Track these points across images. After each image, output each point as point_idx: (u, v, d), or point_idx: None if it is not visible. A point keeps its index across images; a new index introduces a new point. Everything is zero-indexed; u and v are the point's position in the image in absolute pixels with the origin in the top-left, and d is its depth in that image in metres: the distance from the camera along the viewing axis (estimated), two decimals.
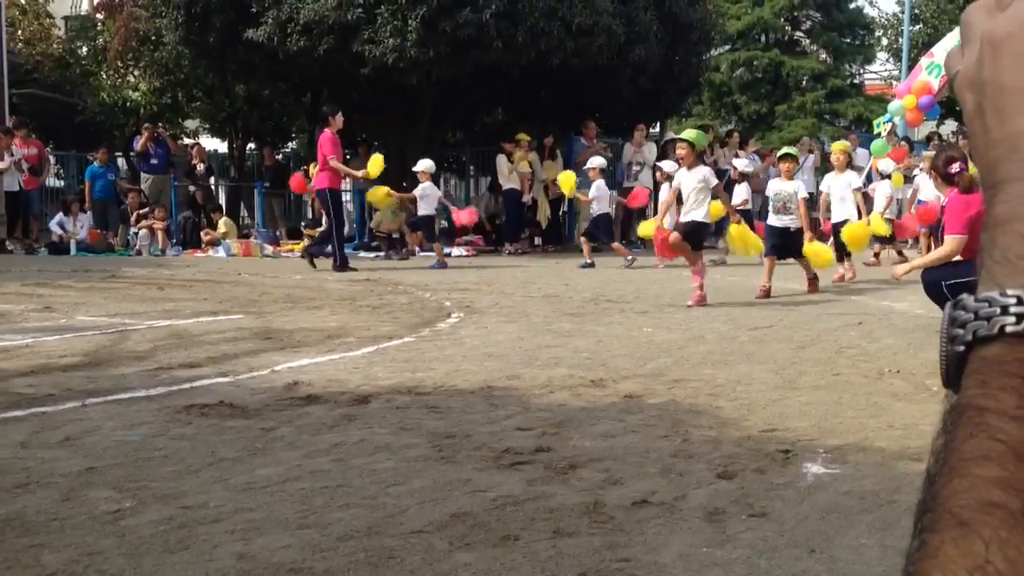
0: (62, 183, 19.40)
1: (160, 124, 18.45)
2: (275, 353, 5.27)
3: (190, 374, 4.62)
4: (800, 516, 2.57)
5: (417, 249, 14.27)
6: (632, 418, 3.71)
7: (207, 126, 22.81)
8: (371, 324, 6.50)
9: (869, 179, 13.49)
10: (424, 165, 12.07)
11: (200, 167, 17.16)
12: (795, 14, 26.73)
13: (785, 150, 8.90)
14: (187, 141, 21.88)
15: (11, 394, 4.12)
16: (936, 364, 0.49)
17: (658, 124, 20.00)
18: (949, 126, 22.14)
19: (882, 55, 29.07)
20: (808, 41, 27.18)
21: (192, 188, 17.03)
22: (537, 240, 15.91)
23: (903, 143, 13.67)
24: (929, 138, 17.50)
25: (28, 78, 21.07)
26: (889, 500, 2.71)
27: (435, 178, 15.42)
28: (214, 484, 2.84)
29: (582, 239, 12.26)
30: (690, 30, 16.26)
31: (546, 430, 3.51)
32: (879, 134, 13.50)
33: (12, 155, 15.18)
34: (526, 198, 14.83)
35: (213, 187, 18.25)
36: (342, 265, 11.40)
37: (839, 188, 9.54)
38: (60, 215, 15.57)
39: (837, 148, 9.88)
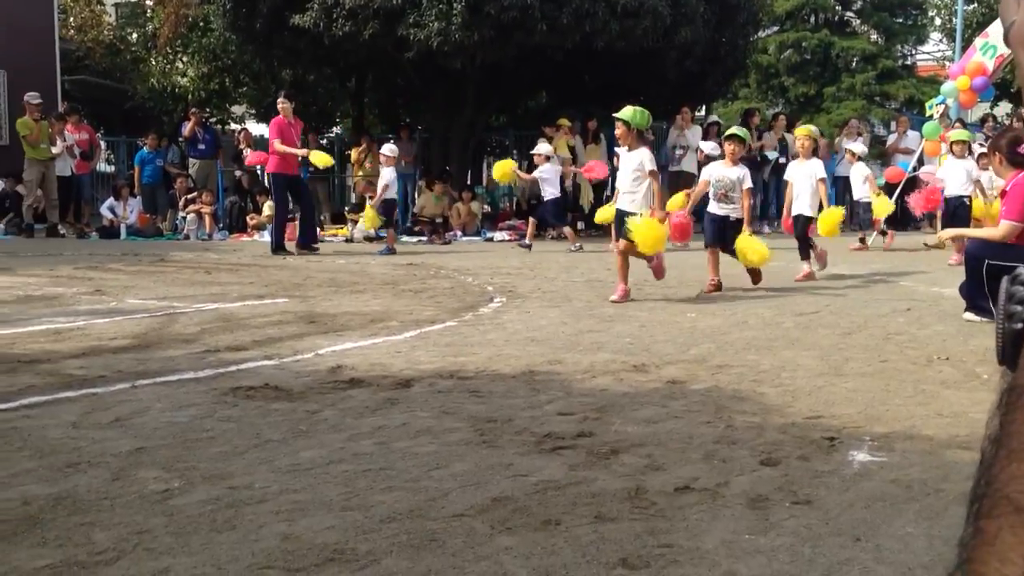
0: (112, 168, 19.74)
1: (207, 110, 18.67)
2: (319, 337, 5.32)
3: (236, 357, 4.68)
4: (845, 504, 2.54)
5: (459, 233, 14.31)
6: (675, 404, 3.70)
7: (253, 111, 23.03)
8: (413, 308, 6.53)
9: (921, 162, 13.26)
10: (388, 150, 12.18)
11: (247, 152, 17.33)
12: None
13: (732, 131, 7.79)
14: (234, 126, 22.10)
15: (63, 375, 4.21)
16: (988, 351, 0.48)
17: (703, 107, 19.80)
18: (1004, 108, 21.65)
19: (935, 35, 28.46)
20: (859, 21, 26.66)
21: (238, 173, 17.21)
22: (580, 225, 15.85)
23: (956, 125, 13.41)
24: (984, 120, 17.14)
25: (79, 65, 21.43)
26: (936, 489, 2.67)
27: (478, 161, 15.41)
28: (260, 465, 2.88)
29: (529, 219, 12.80)
30: (737, 11, 16.05)
31: (588, 415, 3.51)
32: (931, 116, 13.25)
33: (64, 140, 15.46)
34: (568, 183, 14.77)
35: (259, 172, 18.42)
36: (277, 248, 11.63)
37: (802, 178, 8.42)
38: (111, 200, 15.83)
39: (801, 134, 8.65)
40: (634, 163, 6.86)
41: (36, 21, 18.73)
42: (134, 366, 4.43)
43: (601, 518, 2.43)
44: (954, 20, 23.00)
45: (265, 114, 22.23)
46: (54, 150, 15.20)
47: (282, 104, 11.88)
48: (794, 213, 8.49)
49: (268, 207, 15.71)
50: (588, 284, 7.99)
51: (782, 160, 15.83)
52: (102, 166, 18.73)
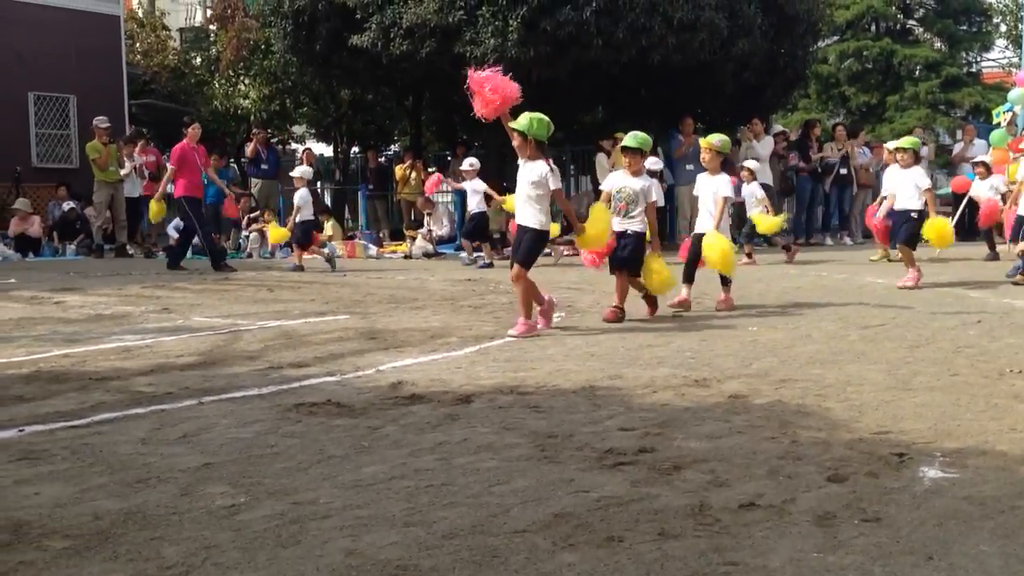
0: None
1: (268, 130, 19.03)
2: (379, 353, 5.36)
3: (299, 373, 4.74)
4: (916, 522, 2.48)
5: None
6: (738, 419, 3.65)
7: (313, 131, 23.39)
8: (472, 324, 6.56)
9: (988, 171, 12.95)
10: (300, 171, 12.48)
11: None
12: (907, 1, 25.82)
13: (626, 141, 6.73)
14: (295, 146, 22.48)
15: (133, 392, 4.31)
16: None
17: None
18: None
19: (1000, 42, 27.87)
20: (921, 29, 26.21)
21: None
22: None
23: None
24: None
25: (146, 89, 22.01)
26: (1012, 506, 2.59)
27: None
28: (323, 481, 2.91)
29: (463, 240, 12.99)
30: (796, 22, 15.88)
31: (649, 430, 3.48)
32: (999, 124, 12.96)
33: (132, 161, 15.86)
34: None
35: (319, 190, 18.71)
36: (217, 262, 11.98)
37: (708, 194, 7.35)
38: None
39: (704, 145, 7.55)
40: (532, 176, 6.04)
41: (104, 47, 19.30)
42: (200, 383, 4.51)
43: (664, 535, 2.40)
44: (1020, 26, 22.48)
45: (325, 133, 22.59)
46: (123, 172, 15.60)
47: (193, 129, 12.25)
48: (697, 230, 7.50)
49: (330, 226, 15.95)
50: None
51: (843, 171, 15.61)
52: (169, 187, 19.14)
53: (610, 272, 6.80)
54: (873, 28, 26.14)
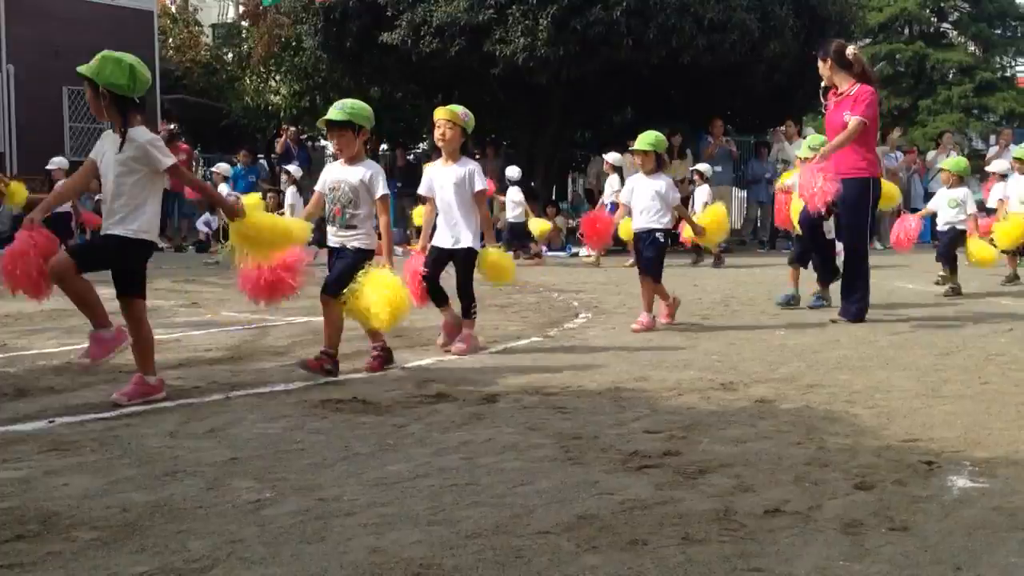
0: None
1: (299, 127, 19.13)
2: (405, 351, 5.37)
3: None
4: (945, 531, 2.45)
5: (544, 248, 14.32)
6: (764, 423, 3.62)
7: None
8: (499, 323, 6.55)
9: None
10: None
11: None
12: (941, 5, 25.52)
13: (330, 114, 4.76)
14: (324, 143, 22.54)
15: None
16: None
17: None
18: None
19: None
20: (955, 33, 25.93)
21: None
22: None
23: None
24: None
25: (178, 84, 22.18)
26: None
27: (563, 176, 15.32)
28: (348, 478, 2.92)
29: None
30: (828, 23, 15.73)
31: (675, 433, 3.46)
32: None
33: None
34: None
35: None
36: None
37: (446, 188, 5.51)
38: (206, 214, 16.28)
39: (443, 115, 5.51)
40: (126, 153, 4.04)
41: (137, 43, 19.43)
42: (228, 378, 4.54)
43: (689, 539, 2.39)
44: None
45: None
46: None
47: None
48: (436, 242, 5.58)
49: None
50: None
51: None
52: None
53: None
54: (906, 31, 25.89)
